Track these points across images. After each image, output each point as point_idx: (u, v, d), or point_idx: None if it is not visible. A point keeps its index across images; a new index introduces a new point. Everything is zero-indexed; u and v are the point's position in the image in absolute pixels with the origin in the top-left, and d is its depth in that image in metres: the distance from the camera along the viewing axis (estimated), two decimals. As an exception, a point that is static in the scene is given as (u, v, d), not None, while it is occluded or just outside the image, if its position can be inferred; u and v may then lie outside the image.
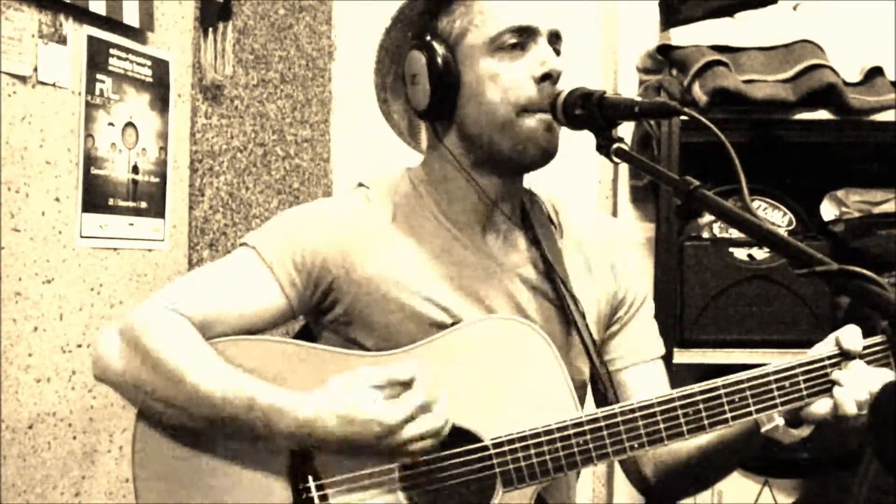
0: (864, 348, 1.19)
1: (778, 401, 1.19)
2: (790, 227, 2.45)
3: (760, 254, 2.33)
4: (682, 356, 2.28)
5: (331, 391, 1.16)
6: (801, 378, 1.19)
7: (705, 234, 2.41)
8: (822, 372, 1.19)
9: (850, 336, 1.20)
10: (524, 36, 1.28)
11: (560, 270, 1.35)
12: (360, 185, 1.38)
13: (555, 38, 1.31)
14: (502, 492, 1.19)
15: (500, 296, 1.33)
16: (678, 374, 2.25)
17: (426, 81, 1.29)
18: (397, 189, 1.37)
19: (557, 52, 1.31)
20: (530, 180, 1.40)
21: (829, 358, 1.19)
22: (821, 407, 1.18)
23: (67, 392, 1.81)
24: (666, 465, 1.35)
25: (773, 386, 1.19)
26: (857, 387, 1.16)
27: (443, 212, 1.35)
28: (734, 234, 2.36)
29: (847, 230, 2.41)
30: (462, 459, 1.20)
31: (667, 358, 1.45)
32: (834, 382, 1.18)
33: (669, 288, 2.28)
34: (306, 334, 1.42)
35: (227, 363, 1.19)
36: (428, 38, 1.31)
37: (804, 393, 1.19)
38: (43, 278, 1.76)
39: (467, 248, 1.34)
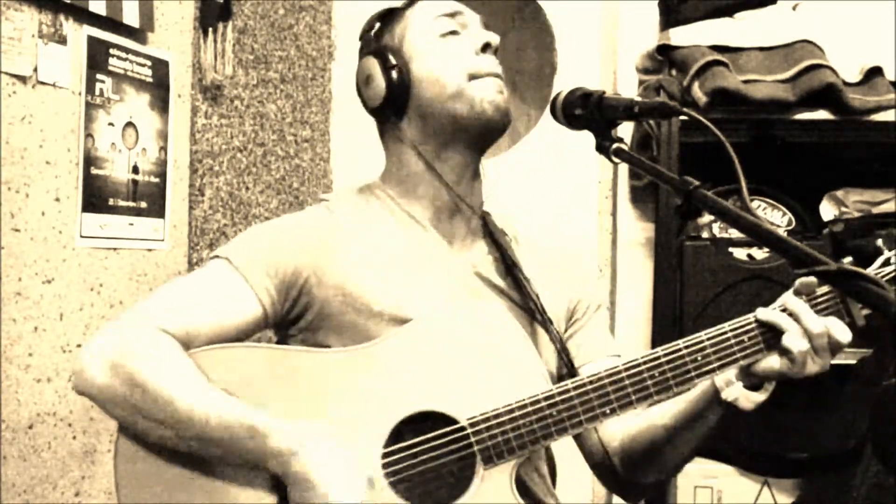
0: (815, 297, 1.20)
1: (738, 354, 1.21)
2: (790, 227, 2.45)
3: (760, 254, 2.33)
4: (682, 356, 2.27)
5: (332, 451, 1.17)
6: (757, 331, 1.21)
7: (705, 234, 2.41)
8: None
9: (805, 281, 1.21)
10: (457, 22, 1.40)
11: (521, 270, 1.40)
12: (321, 199, 1.45)
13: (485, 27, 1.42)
14: (483, 469, 1.21)
15: (463, 294, 1.36)
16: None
17: (380, 76, 1.37)
18: (356, 196, 1.44)
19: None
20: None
21: (783, 309, 1.20)
22: (774, 360, 1.20)
23: (67, 392, 1.81)
24: (633, 452, 1.38)
25: (733, 341, 1.21)
26: (807, 321, 1.17)
27: (403, 209, 1.40)
28: (734, 234, 2.37)
29: (847, 230, 2.41)
30: (441, 441, 1.22)
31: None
32: (782, 330, 1.19)
33: (669, 288, 2.28)
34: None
35: (218, 387, 1.20)
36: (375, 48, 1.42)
37: (762, 346, 1.20)
38: (43, 278, 1.76)
39: (427, 245, 1.38)
